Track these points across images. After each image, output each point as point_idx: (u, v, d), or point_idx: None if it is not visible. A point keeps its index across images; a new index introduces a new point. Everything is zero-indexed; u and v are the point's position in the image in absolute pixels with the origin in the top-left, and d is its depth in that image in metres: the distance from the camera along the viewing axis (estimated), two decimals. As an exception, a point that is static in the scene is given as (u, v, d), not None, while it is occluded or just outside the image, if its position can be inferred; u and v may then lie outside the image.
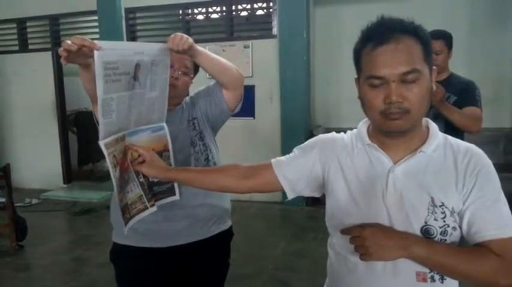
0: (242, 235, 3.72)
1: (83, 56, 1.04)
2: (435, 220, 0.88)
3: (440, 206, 0.88)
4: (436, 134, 0.94)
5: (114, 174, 1.12)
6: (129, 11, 5.06)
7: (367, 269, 0.93)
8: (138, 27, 5.17)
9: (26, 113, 5.64)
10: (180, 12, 5.15)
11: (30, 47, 5.66)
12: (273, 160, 1.09)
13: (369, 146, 0.96)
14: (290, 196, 1.08)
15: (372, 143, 0.95)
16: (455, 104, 2.16)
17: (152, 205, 1.25)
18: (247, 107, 4.66)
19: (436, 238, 0.88)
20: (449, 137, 0.96)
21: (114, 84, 1.05)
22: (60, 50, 1.02)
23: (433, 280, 0.90)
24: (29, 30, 5.66)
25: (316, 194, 1.09)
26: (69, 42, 1.01)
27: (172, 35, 1.23)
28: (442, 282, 0.91)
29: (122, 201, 1.18)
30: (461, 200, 0.88)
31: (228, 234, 1.56)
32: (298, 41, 4.44)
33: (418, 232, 0.89)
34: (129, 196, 1.20)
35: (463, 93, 2.19)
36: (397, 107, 0.85)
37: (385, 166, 0.93)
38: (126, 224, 1.18)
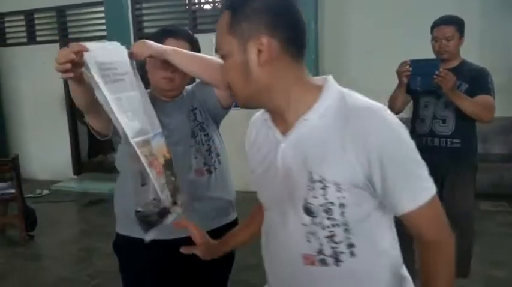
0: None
1: (76, 67, 0.96)
2: (314, 197, 0.79)
3: (319, 181, 0.78)
4: (327, 97, 0.82)
5: (152, 175, 1.02)
6: (135, 1, 5.03)
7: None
8: (145, 18, 5.15)
9: (36, 105, 5.69)
10: (187, 1, 5.11)
11: (38, 39, 5.68)
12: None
13: (265, 120, 0.91)
14: None
15: (268, 117, 0.90)
16: (466, 92, 2.10)
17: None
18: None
19: (318, 218, 0.79)
20: (348, 96, 0.84)
21: (118, 84, 0.99)
22: (62, 70, 0.95)
23: (324, 263, 0.82)
24: (36, 22, 5.67)
25: None
26: (63, 55, 0.93)
27: (133, 45, 1.19)
28: (338, 265, 0.81)
29: (160, 204, 1.10)
30: (359, 171, 0.76)
31: (232, 226, 1.55)
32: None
33: (301, 212, 0.81)
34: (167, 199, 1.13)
35: (475, 80, 2.12)
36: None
37: (276, 140, 0.86)
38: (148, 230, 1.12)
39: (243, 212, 3.72)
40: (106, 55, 0.99)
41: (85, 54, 0.93)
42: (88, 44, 0.96)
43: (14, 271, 3.06)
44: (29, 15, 5.60)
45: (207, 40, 4.66)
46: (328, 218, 0.79)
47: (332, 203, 0.78)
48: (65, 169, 5.63)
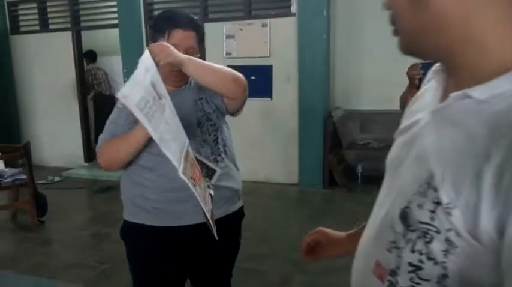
0: (258, 216, 3.72)
1: None
2: (419, 207, 0.54)
3: (435, 191, 0.54)
4: None
5: (198, 193, 1.07)
6: (147, -11, 5.01)
7: None
8: (155, 6, 5.12)
9: (48, 93, 5.73)
10: (198, -10, 5.07)
11: (50, 26, 5.71)
12: None
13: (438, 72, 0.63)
14: None
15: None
16: None
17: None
18: (264, 87, 4.60)
19: (411, 235, 0.55)
20: None
21: (156, 116, 0.99)
22: None
23: None
24: (49, 10, 5.69)
25: None
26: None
27: (151, 46, 1.18)
28: None
29: (207, 209, 1.14)
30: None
31: (238, 215, 1.54)
32: (318, 19, 4.31)
33: (397, 214, 0.59)
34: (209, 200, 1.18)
35: None
36: None
37: (428, 105, 0.62)
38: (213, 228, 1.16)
39: (252, 202, 3.73)
40: (136, 92, 0.97)
41: (125, 102, 0.92)
42: (122, 91, 0.93)
43: (24, 255, 3.11)
44: (41, 3, 5.62)
45: (218, 29, 4.71)
46: (426, 243, 0.52)
47: (437, 230, 0.50)
48: (76, 156, 5.69)
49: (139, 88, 0.98)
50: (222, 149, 1.45)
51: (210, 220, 1.15)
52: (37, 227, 3.59)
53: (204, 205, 1.11)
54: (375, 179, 4.68)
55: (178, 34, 1.34)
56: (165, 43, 1.22)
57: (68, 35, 5.51)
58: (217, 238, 1.16)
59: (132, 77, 1.00)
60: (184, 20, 1.37)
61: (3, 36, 5.72)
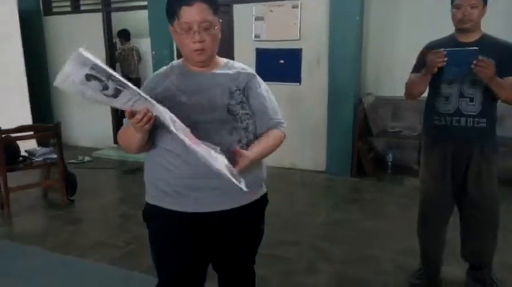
0: (283, 202, 3.67)
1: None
2: None
3: None
4: None
5: (197, 149, 1.15)
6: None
7: None
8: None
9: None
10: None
11: (82, 7, 5.76)
12: None
13: None
14: None
15: None
16: None
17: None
18: (293, 72, 4.49)
19: None
20: None
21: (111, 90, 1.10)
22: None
23: None
24: (80, -10, 5.73)
25: None
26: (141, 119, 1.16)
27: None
28: None
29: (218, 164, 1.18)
30: None
31: (261, 202, 1.49)
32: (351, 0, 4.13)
33: None
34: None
35: (505, 60, 1.92)
36: None
37: None
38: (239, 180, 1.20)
39: (279, 188, 3.65)
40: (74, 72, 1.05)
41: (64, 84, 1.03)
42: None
43: (53, 232, 3.19)
44: (73, -17, 5.66)
45: (247, 10, 4.60)
46: None
47: None
48: (106, 137, 5.78)
49: (79, 72, 1.03)
50: (251, 137, 1.39)
51: (229, 175, 1.16)
52: (66, 206, 3.67)
53: (211, 159, 1.15)
54: (405, 169, 4.58)
55: (186, 12, 1.27)
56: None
57: (98, 17, 5.55)
58: (246, 189, 1.18)
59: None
60: None
61: (37, 17, 5.82)
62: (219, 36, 1.36)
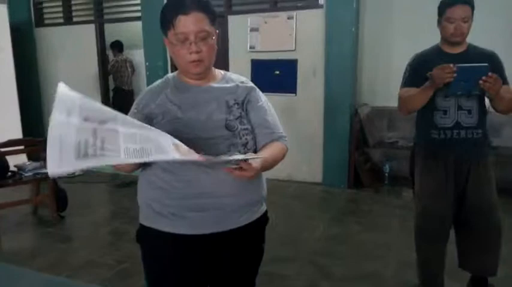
0: (280, 216, 3.59)
1: None
2: None
3: None
4: None
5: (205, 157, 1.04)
6: (169, -19, 4.91)
7: None
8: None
9: (71, 86, 5.64)
10: (222, -18, 4.93)
11: (74, 19, 5.69)
12: None
13: None
14: None
15: None
16: None
17: None
18: (288, 82, 4.44)
19: None
20: None
21: (110, 145, 0.94)
22: None
23: None
24: (73, 2, 5.67)
25: None
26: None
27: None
28: None
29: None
30: None
31: (261, 221, 1.42)
32: (346, 10, 4.12)
33: None
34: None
35: (494, 69, 1.91)
36: None
37: None
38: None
39: (274, 201, 3.55)
40: (65, 149, 0.91)
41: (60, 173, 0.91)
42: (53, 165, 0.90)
43: (43, 251, 3.08)
44: (65, -5, 5.61)
45: (242, 21, 4.57)
46: None
47: None
48: (98, 150, 5.66)
49: (68, 139, 0.88)
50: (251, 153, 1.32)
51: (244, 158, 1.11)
52: (57, 222, 3.56)
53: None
54: (402, 180, 4.52)
55: (182, 21, 1.21)
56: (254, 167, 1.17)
57: (91, 28, 5.49)
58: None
59: (54, 139, 0.90)
60: (187, 3, 1.22)
61: (28, 28, 5.74)
62: (216, 47, 1.30)
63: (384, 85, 4.46)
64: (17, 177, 3.57)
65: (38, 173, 3.61)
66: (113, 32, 5.90)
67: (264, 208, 1.43)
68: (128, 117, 0.99)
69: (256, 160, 1.18)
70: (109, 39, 5.88)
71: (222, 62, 4.56)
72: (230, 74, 1.42)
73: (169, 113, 1.26)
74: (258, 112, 1.36)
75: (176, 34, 1.22)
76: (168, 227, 1.28)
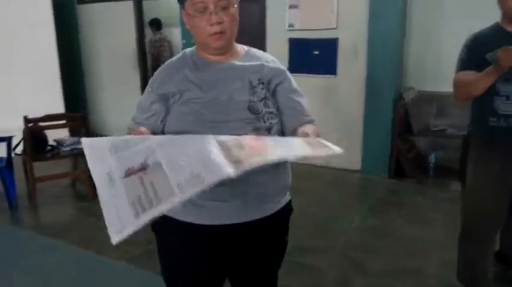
0: (314, 204, 3.44)
1: None
2: None
3: None
4: None
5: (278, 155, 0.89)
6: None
7: None
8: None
9: (111, 63, 5.79)
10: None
11: (114, -4, 5.69)
12: None
13: None
14: None
15: None
16: None
17: None
18: (328, 63, 4.21)
19: None
20: None
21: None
22: None
23: None
24: (113, -22, 5.66)
25: None
26: None
27: None
28: None
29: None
30: None
31: (285, 211, 1.29)
32: (394, -16, 3.80)
33: None
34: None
35: None
36: None
37: None
38: None
39: (310, 188, 3.37)
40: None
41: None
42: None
43: (77, 225, 3.13)
44: (105, -29, 5.60)
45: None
46: None
47: None
48: (136, 127, 5.72)
49: (121, 202, 0.84)
50: None
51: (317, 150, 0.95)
52: (92, 198, 3.61)
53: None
54: (449, 171, 4.21)
55: None
56: None
57: (130, 5, 5.47)
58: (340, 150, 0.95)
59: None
60: None
61: (71, 5, 5.82)
62: (237, 16, 1.16)
63: (433, 67, 4.12)
64: (55, 151, 3.64)
65: (75, 148, 3.67)
66: (151, 9, 5.85)
67: (288, 197, 1.31)
68: (157, 137, 0.91)
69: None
70: (148, 16, 5.85)
71: (260, 41, 4.40)
72: (255, 51, 1.27)
73: (188, 93, 1.14)
74: (288, 94, 1.23)
75: (194, 4, 1.10)
76: (186, 216, 1.18)
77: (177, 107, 1.14)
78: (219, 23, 1.10)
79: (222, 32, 1.11)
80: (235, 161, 0.81)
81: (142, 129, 1.10)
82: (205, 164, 0.82)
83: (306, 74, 4.18)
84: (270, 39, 4.49)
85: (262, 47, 4.36)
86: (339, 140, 4.40)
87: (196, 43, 1.21)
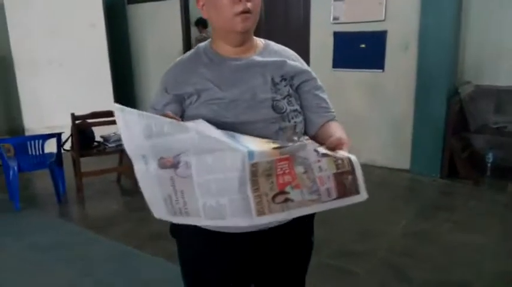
0: (357, 205, 3.26)
1: None
2: None
3: None
4: None
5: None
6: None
7: None
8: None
9: (158, 61, 5.92)
10: None
11: (161, -5, 5.81)
12: None
13: None
14: None
15: None
16: None
17: None
18: (375, 57, 4.00)
19: None
20: None
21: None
22: None
23: None
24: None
25: None
26: None
27: None
28: None
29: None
30: None
31: (310, 217, 1.20)
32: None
33: None
34: None
35: None
36: None
37: None
38: None
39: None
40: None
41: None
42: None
43: (119, 219, 3.21)
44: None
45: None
46: None
47: None
48: (182, 124, 5.83)
49: (156, 192, 0.92)
50: (299, 137, 1.10)
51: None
52: (136, 193, 3.69)
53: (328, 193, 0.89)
54: (508, 172, 3.87)
55: None
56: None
57: (176, 4, 5.56)
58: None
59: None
60: None
61: (121, 5, 6.02)
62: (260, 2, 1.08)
63: (493, 60, 3.79)
64: (101, 148, 3.78)
65: (120, 145, 3.77)
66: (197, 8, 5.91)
67: None
68: (192, 135, 0.84)
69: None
70: (194, 15, 5.91)
71: (303, 35, 4.28)
72: (274, 44, 1.18)
73: (206, 93, 1.06)
74: (313, 91, 1.15)
75: None
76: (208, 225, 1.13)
77: (194, 109, 1.06)
78: (247, 1, 1.01)
79: (249, 12, 1.02)
80: (260, 214, 0.84)
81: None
82: (231, 199, 0.84)
83: (351, 69, 4.00)
84: (314, 33, 4.35)
85: (305, 41, 4.24)
86: (385, 137, 4.20)
87: (215, 32, 1.12)
